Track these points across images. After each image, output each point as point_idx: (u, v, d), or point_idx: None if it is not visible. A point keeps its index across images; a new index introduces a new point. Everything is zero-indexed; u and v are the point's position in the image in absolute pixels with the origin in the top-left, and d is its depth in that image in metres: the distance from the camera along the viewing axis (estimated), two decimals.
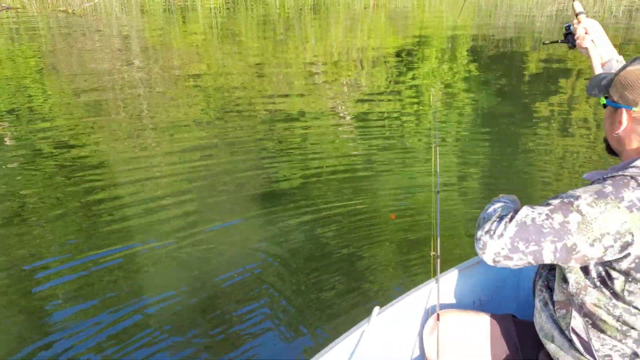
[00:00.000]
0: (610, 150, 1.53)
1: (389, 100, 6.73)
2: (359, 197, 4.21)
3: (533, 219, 1.31)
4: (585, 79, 7.90)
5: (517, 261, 1.33)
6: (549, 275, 1.58)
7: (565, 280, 1.44)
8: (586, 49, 1.83)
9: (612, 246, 1.26)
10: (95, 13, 9.96)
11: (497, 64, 8.92)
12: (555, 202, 1.32)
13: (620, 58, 1.84)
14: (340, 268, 3.10)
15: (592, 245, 1.27)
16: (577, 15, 1.90)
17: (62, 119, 5.66)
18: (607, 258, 1.29)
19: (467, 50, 9.68)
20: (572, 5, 1.91)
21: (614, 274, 1.33)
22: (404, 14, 13.26)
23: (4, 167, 4.37)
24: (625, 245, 1.26)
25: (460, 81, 7.69)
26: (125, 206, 3.80)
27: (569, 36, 1.93)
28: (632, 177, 1.28)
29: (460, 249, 3.54)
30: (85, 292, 2.77)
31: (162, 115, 5.82)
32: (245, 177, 4.59)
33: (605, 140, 1.54)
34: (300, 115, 6.07)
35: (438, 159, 2.66)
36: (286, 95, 6.73)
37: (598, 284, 1.37)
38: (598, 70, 1.82)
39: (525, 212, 1.34)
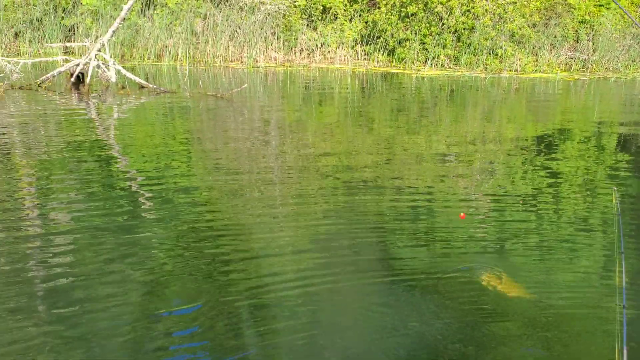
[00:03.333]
0: None
1: (541, 192, 6.25)
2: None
3: None
4: None
5: None
6: None
7: None
8: None
9: None
10: (241, 97, 10.69)
11: None
12: None
13: None
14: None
15: None
16: None
17: (201, 182, 5.93)
18: None
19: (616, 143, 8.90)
20: None
21: None
22: (545, 100, 12.73)
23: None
24: None
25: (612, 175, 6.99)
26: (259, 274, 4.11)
27: None
28: None
29: None
30: None
31: (291, 186, 5.91)
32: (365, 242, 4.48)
33: None
34: (427, 195, 5.82)
35: (624, 270, 2.27)
36: (415, 174, 6.55)
37: None
38: None
39: None
